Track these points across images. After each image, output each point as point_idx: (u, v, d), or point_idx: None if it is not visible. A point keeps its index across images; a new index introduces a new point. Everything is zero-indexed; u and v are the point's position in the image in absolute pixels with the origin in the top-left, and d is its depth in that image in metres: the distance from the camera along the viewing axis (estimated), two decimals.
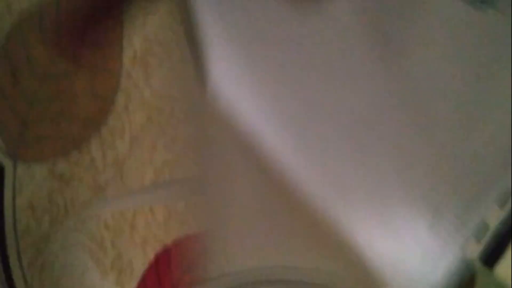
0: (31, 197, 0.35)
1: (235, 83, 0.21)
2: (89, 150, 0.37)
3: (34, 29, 0.36)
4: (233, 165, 0.24)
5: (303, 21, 0.22)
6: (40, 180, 0.36)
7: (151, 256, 0.40)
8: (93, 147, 0.37)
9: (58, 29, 0.36)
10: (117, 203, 0.36)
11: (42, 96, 0.33)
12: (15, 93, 0.35)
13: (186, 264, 0.41)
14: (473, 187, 0.23)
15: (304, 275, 0.24)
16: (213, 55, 0.23)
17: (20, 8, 0.35)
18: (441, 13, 0.20)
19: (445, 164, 0.22)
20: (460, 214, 0.22)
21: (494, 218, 0.67)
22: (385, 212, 0.23)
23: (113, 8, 0.34)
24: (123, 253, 0.39)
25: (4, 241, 0.34)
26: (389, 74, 0.21)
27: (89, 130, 0.37)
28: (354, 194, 0.22)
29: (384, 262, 0.21)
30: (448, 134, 0.22)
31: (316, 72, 0.23)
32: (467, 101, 0.21)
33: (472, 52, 0.20)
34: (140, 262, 0.39)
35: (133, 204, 0.35)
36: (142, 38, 0.37)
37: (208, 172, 0.27)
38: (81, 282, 0.37)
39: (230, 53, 0.23)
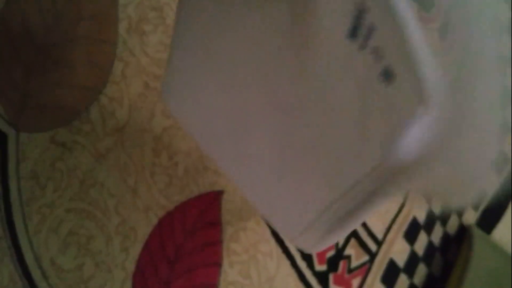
0: (34, 165, 0.36)
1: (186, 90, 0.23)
2: (89, 119, 0.38)
3: (32, 1, 0.36)
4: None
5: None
6: (43, 148, 0.36)
7: (154, 221, 0.41)
8: (93, 116, 0.38)
9: (55, 1, 0.37)
10: None
11: (40, 66, 0.33)
12: (14, 63, 0.36)
13: (188, 228, 0.42)
14: None
15: None
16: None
17: None
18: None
19: None
20: None
21: (491, 186, 0.68)
22: None
23: None
24: (127, 219, 0.40)
25: (10, 208, 0.35)
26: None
27: (88, 99, 0.38)
28: None
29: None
30: None
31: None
32: None
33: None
34: (143, 227, 0.40)
35: None
36: (136, 5, 0.37)
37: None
38: (86, 247, 0.38)
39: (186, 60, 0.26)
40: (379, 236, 0.54)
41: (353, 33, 0.19)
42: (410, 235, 0.58)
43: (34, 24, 0.35)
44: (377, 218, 0.53)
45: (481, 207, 0.68)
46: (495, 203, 0.70)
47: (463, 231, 0.65)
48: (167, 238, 0.39)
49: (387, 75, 0.18)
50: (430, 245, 0.61)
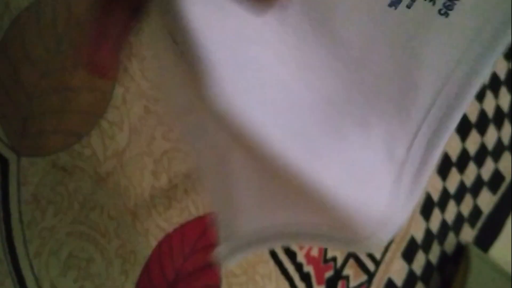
0: (35, 189, 0.36)
1: (226, 81, 0.23)
2: (89, 143, 0.38)
3: (32, 25, 0.36)
4: (228, 151, 0.26)
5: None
6: (44, 173, 0.37)
7: (153, 244, 0.41)
8: (94, 140, 0.38)
9: (55, 25, 0.37)
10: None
11: (42, 91, 0.34)
12: (16, 88, 0.36)
13: (187, 250, 0.42)
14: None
15: (311, 228, 0.26)
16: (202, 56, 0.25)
17: (18, 5, 0.36)
18: None
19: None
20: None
21: (487, 204, 0.68)
22: (345, 155, 0.25)
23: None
24: (126, 242, 0.40)
25: (10, 232, 0.36)
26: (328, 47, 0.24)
27: (89, 123, 0.38)
28: (317, 143, 0.24)
29: (354, 207, 0.23)
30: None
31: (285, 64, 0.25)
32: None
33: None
34: (143, 250, 0.41)
35: None
36: (135, 30, 0.37)
37: (205, 160, 0.29)
38: (86, 270, 0.38)
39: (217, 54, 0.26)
40: (377, 255, 0.54)
41: None
42: (408, 254, 0.58)
43: (35, 48, 0.36)
44: None
45: (479, 225, 0.69)
46: (492, 221, 0.70)
47: (460, 249, 0.66)
48: (166, 260, 0.40)
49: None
50: (428, 264, 0.61)
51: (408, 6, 0.23)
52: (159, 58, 0.27)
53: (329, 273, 0.50)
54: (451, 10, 0.23)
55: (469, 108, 0.64)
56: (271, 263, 0.46)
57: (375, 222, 0.23)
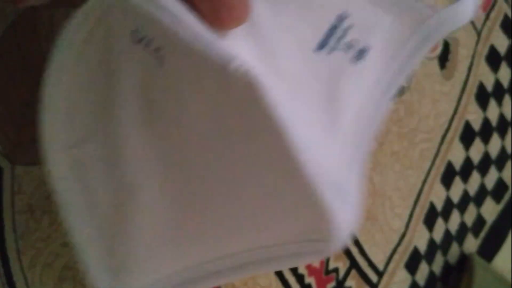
0: (30, 198, 0.35)
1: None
2: None
3: (28, 31, 0.36)
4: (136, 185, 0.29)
5: None
6: (39, 182, 0.36)
7: None
8: None
9: (52, 32, 0.36)
10: None
11: (37, 99, 0.33)
12: (11, 95, 0.35)
13: None
14: None
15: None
16: None
17: (14, 11, 0.35)
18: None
19: None
20: None
21: (491, 213, 0.67)
22: None
23: None
24: None
25: (4, 242, 0.35)
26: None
27: None
28: None
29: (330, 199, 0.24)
30: None
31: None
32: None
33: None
34: None
35: None
36: None
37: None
38: (82, 282, 0.37)
39: None
40: (380, 266, 0.53)
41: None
42: (411, 265, 0.57)
43: (31, 54, 0.35)
44: (377, 248, 0.53)
45: (482, 235, 0.68)
46: (496, 231, 0.69)
47: (464, 260, 0.65)
48: None
49: None
50: (431, 275, 0.60)
51: (328, 53, 0.27)
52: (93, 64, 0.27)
53: (331, 285, 0.49)
54: (361, 59, 0.28)
55: (473, 116, 0.63)
56: (272, 274, 0.45)
57: (340, 217, 0.24)
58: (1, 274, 0.34)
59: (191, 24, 0.22)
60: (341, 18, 0.28)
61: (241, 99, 0.22)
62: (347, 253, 0.50)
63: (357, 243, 0.50)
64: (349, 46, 0.28)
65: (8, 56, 0.35)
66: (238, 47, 0.24)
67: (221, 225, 0.27)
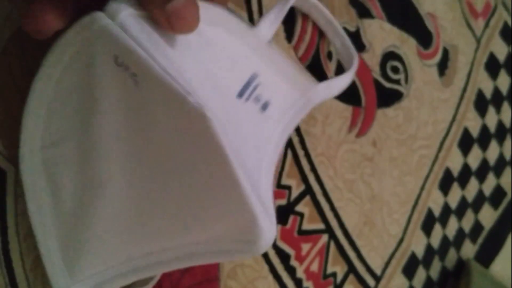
0: None
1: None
2: None
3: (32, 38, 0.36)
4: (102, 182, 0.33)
5: None
6: None
7: None
8: None
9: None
10: None
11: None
12: (15, 98, 0.36)
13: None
14: None
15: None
16: None
17: (19, 18, 0.36)
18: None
19: None
20: None
21: (488, 220, 0.68)
22: None
23: None
24: None
25: (7, 244, 0.35)
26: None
27: None
28: None
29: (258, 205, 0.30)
30: None
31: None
32: None
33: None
34: None
35: None
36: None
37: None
38: None
39: None
40: (378, 271, 0.54)
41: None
42: (409, 270, 0.58)
43: (35, 60, 0.36)
44: (375, 253, 0.53)
45: (480, 240, 0.68)
46: (494, 237, 0.70)
47: (461, 265, 0.65)
48: (163, 275, 0.39)
49: None
50: (428, 280, 0.60)
51: (245, 101, 0.35)
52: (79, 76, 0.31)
53: None
54: (265, 110, 0.37)
55: (471, 123, 0.63)
56: (270, 278, 0.45)
57: (267, 226, 0.31)
58: (5, 275, 0.35)
59: (161, 57, 0.27)
60: (253, 76, 0.36)
61: (195, 125, 0.28)
62: (345, 257, 0.50)
63: (355, 247, 0.51)
64: (257, 99, 0.36)
65: (13, 60, 0.36)
66: (189, 70, 0.30)
67: (170, 221, 0.33)
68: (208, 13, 0.33)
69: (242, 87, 0.35)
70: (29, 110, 0.32)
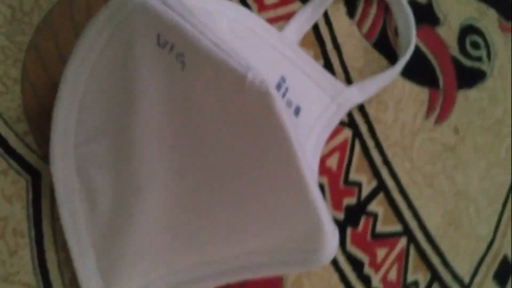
0: None
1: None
2: None
3: (65, 21, 0.33)
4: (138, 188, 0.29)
5: None
6: None
7: None
8: None
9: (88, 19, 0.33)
10: None
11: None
12: (49, 93, 0.32)
13: None
14: None
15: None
16: None
17: (48, 1, 0.32)
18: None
19: None
20: None
21: None
22: None
23: None
24: None
25: (43, 254, 0.31)
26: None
27: None
28: None
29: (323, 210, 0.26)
30: None
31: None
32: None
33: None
34: None
35: None
36: None
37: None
38: None
39: None
40: (466, 278, 0.46)
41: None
42: (501, 276, 0.50)
43: (69, 48, 0.32)
44: (462, 259, 0.46)
45: None
46: None
47: None
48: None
49: None
50: None
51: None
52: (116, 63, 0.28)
53: None
54: (298, 115, 0.34)
55: None
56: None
57: (331, 231, 0.27)
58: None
59: (210, 33, 0.24)
60: (283, 79, 0.33)
61: (256, 105, 0.24)
62: (428, 263, 0.43)
63: (438, 252, 0.44)
64: (289, 103, 0.33)
65: (45, 49, 0.32)
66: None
67: (220, 230, 0.28)
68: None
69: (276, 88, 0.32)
70: (61, 102, 0.29)
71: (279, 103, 0.24)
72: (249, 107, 0.24)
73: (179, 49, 0.25)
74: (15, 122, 0.32)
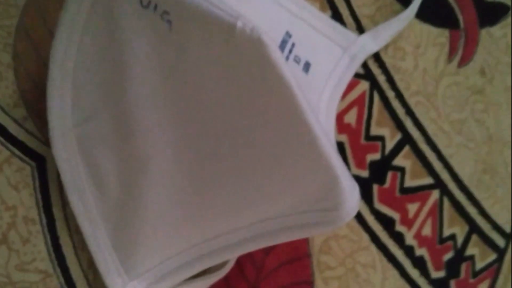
0: None
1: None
2: None
3: (37, 17, 0.31)
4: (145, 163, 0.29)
5: None
6: None
7: None
8: None
9: None
10: None
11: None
12: (44, 75, 0.31)
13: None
14: None
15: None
16: None
17: None
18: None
19: None
20: None
21: None
22: None
23: None
24: None
25: (57, 240, 0.31)
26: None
27: None
28: None
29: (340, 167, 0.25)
30: None
31: None
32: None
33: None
34: None
35: None
36: None
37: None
38: None
39: None
40: (507, 227, 0.44)
41: None
42: None
43: (42, 42, 0.31)
44: (501, 206, 0.43)
45: None
46: None
47: None
48: (242, 256, 0.33)
49: None
50: None
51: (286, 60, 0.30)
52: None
53: (448, 255, 0.40)
54: (307, 71, 0.31)
55: None
56: (373, 248, 0.37)
57: (349, 186, 0.25)
58: (59, 275, 0.30)
59: None
60: (288, 35, 0.31)
61: (250, 55, 0.22)
62: (464, 215, 0.41)
63: (475, 202, 0.41)
64: (297, 59, 0.31)
65: (34, 28, 0.31)
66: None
67: (232, 197, 0.27)
68: None
69: (280, 44, 0.30)
70: (53, 83, 0.28)
71: (274, 50, 0.22)
72: (244, 59, 0.23)
73: (163, 6, 0.23)
74: (13, 108, 0.31)
